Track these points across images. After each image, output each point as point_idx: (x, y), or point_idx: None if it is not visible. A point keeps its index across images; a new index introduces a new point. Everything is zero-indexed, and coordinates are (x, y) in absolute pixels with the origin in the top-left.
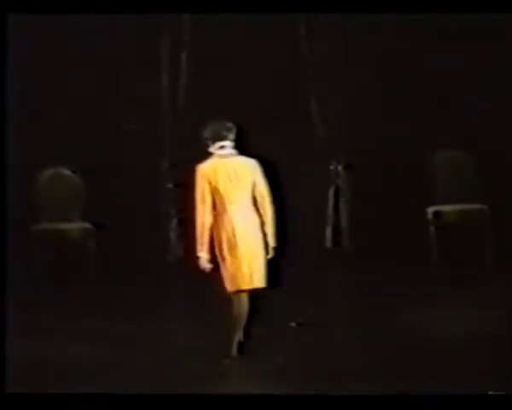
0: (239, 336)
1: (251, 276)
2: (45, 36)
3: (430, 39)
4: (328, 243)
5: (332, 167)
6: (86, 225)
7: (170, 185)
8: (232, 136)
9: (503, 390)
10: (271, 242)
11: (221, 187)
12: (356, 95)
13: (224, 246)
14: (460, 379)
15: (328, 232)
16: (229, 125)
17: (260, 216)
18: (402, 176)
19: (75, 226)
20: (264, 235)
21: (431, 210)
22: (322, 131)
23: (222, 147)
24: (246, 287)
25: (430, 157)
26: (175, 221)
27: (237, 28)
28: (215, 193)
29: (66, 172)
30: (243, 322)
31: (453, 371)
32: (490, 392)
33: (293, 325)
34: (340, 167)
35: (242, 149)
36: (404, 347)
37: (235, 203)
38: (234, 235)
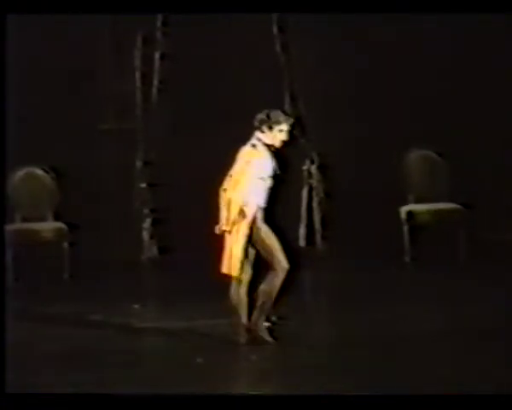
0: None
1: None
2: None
3: (405, 39)
4: (302, 243)
5: (305, 167)
6: (59, 224)
7: (143, 185)
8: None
9: (477, 388)
10: None
11: None
12: (330, 94)
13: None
14: (434, 376)
15: (302, 232)
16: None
17: None
18: (376, 176)
19: (48, 226)
20: None
21: (404, 210)
22: (296, 131)
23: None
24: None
25: (404, 157)
26: (148, 221)
27: (210, 28)
28: None
29: (39, 171)
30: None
31: (427, 368)
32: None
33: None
34: (313, 167)
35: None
36: (378, 345)
37: None
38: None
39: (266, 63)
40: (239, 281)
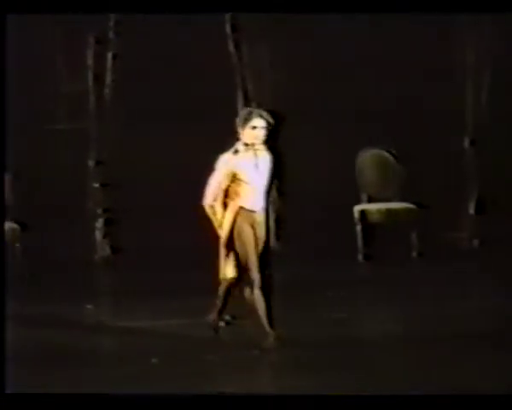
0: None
1: None
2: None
3: (360, 39)
4: None
5: None
6: (12, 225)
7: (96, 185)
8: None
9: (425, 389)
10: None
11: None
12: (283, 94)
13: None
14: (385, 377)
15: None
16: None
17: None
18: (330, 175)
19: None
20: None
21: (357, 209)
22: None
23: None
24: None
25: (358, 156)
26: (101, 221)
27: (162, 27)
28: None
29: None
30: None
31: (381, 369)
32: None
33: (222, 324)
34: None
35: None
36: (332, 344)
37: None
38: None
39: (219, 63)
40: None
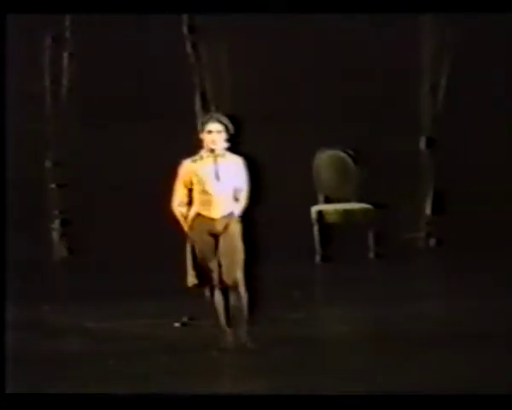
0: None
1: None
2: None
3: (318, 39)
4: None
5: None
6: None
7: (53, 185)
8: None
9: (380, 388)
10: None
11: None
12: (240, 94)
13: None
14: (341, 377)
15: None
16: None
17: None
18: (288, 175)
19: None
20: None
21: (315, 210)
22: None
23: None
24: None
25: (315, 157)
26: (58, 221)
27: (120, 28)
28: None
29: None
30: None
31: (337, 368)
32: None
33: (177, 324)
34: None
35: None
36: (289, 344)
37: None
38: None
39: (177, 63)
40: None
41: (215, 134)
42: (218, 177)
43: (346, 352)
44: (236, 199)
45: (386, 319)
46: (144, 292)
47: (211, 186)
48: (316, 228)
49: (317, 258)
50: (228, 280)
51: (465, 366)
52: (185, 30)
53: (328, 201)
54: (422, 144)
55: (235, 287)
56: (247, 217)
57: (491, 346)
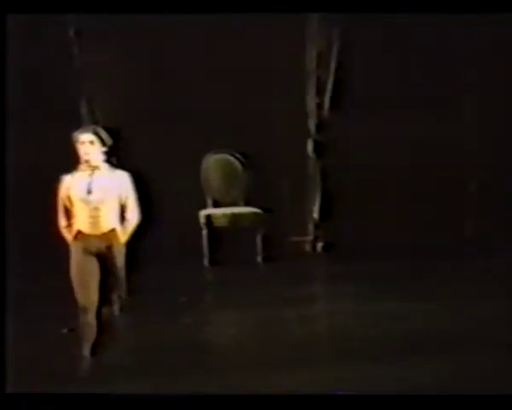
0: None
1: None
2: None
3: (204, 40)
4: None
5: None
6: None
7: None
8: None
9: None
10: None
11: None
12: (127, 97)
13: None
14: (233, 379)
15: None
16: None
17: None
18: (175, 180)
19: None
20: None
21: (203, 214)
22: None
23: None
24: None
25: (203, 161)
26: None
27: (9, 28)
28: None
29: None
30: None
31: (228, 372)
32: None
33: (65, 331)
34: None
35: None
36: (177, 348)
37: None
38: None
39: (65, 66)
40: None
41: (88, 145)
42: (90, 191)
43: (236, 354)
44: (123, 215)
45: (273, 322)
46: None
47: (84, 201)
48: (204, 232)
49: (206, 262)
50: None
51: (349, 368)
52: (72, 32)
53: (216, 205)
54: (310, 148)
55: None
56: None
57: (380, 349)
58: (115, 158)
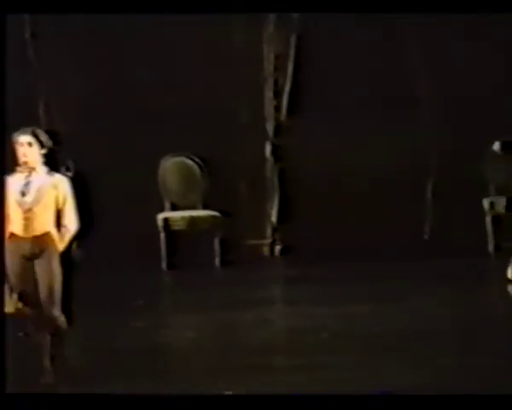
0: None
1: None
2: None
3: (163, 42)
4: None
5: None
6: None
7: None
8: None
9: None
10: None
11: None
12: (85, 101)
13: None
14: (192, 382)
15: None
16: None
17: None
18: (133, 183)
19: None
20: None
21: (161, 217)
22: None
23: None
24: None
25: (160, 164)
26: None
27: None
28: None
29: None
30: None
31: (186, 374)
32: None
33: (20, 334)
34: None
35: None
36: (133, 352)
37: None
38: None
39: (20, 69)
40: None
41: (26, 146)
42: (24, 192)
43: (194, 357)
44: (59, 221)
45: (232, 325)
46: None
47: (18, 202)
48: (162, 235)
49: (164, 265)
50: (46, 310)
51: (305, 370)
52: (27, 34)
53: (174, 208)
54: (268, 151)
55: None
56: (87, 225)
57: (338, 350)
58: (72, 163)
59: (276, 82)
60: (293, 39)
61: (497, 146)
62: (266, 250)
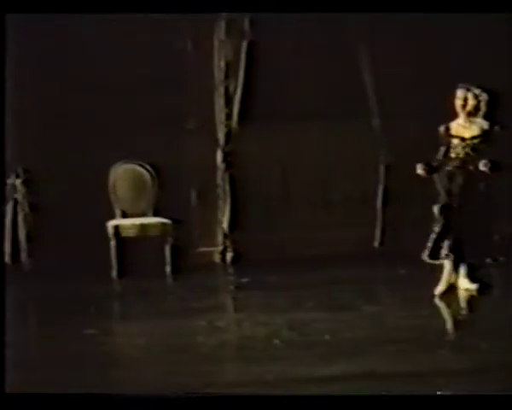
0: None
1: None
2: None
3: (111, 45)
4: (8, 260)
5: (10, 181)
6: None
7: None
8: None
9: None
10: None
11: None
12: (36, 103)
13: None
14: (140, 390)
15: (7, 248)
16: None
17: None
18: (83, 190)
19: None
20: None
21: (111, 224)
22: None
23: None
24: None
25: (110, 171)
26: None
27: None
28: None
29: None
30: None
31: (135, 382)
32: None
33: None
34: (18, 182)
35: None
36: (81, 361)
37: None
38: None
39: None
40: None
41: None
42: None
43: (144, 365)
44: None
45: (182, 332)
46: None
47: None
48: (112, 243)
49: (114, 273)
50: None
51: (252, 374)
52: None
53: (124, 215)
54: (219, 159)
55: None
56: (43, 231)
57: (287, 358)
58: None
59: (226, 89)
60: (244, 46)
61: (419, 169)
62: (218, 257)
